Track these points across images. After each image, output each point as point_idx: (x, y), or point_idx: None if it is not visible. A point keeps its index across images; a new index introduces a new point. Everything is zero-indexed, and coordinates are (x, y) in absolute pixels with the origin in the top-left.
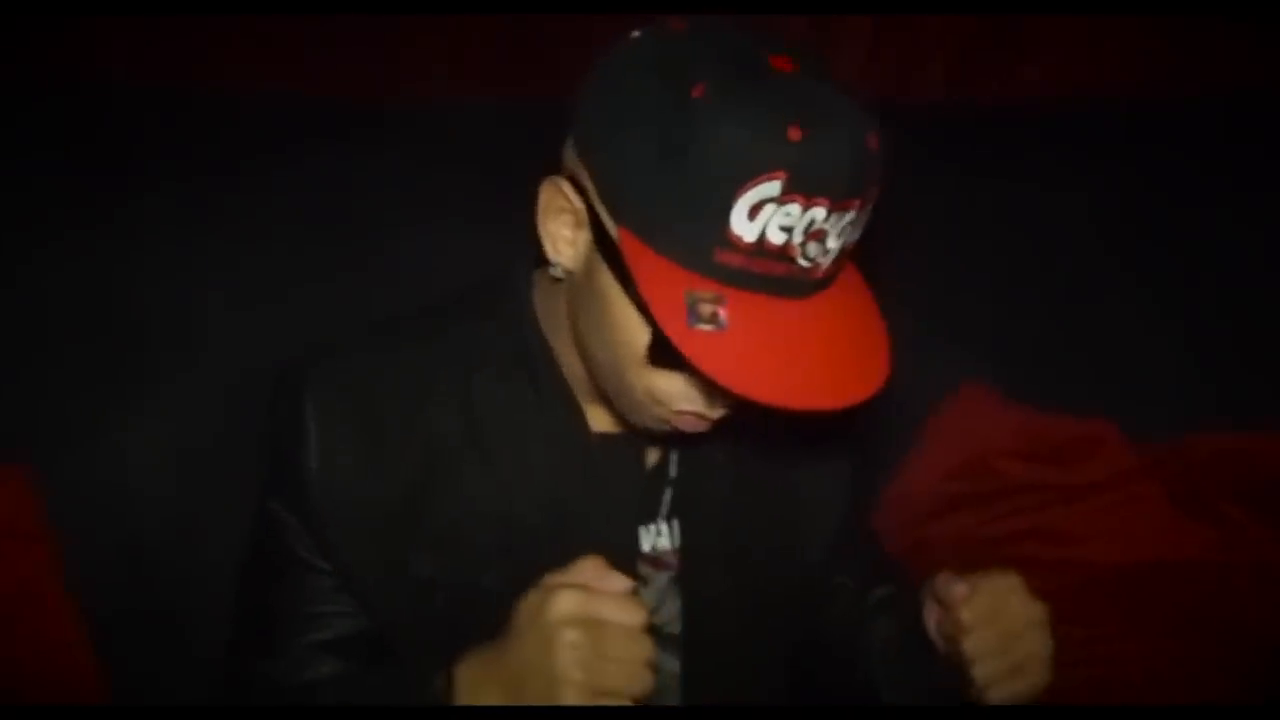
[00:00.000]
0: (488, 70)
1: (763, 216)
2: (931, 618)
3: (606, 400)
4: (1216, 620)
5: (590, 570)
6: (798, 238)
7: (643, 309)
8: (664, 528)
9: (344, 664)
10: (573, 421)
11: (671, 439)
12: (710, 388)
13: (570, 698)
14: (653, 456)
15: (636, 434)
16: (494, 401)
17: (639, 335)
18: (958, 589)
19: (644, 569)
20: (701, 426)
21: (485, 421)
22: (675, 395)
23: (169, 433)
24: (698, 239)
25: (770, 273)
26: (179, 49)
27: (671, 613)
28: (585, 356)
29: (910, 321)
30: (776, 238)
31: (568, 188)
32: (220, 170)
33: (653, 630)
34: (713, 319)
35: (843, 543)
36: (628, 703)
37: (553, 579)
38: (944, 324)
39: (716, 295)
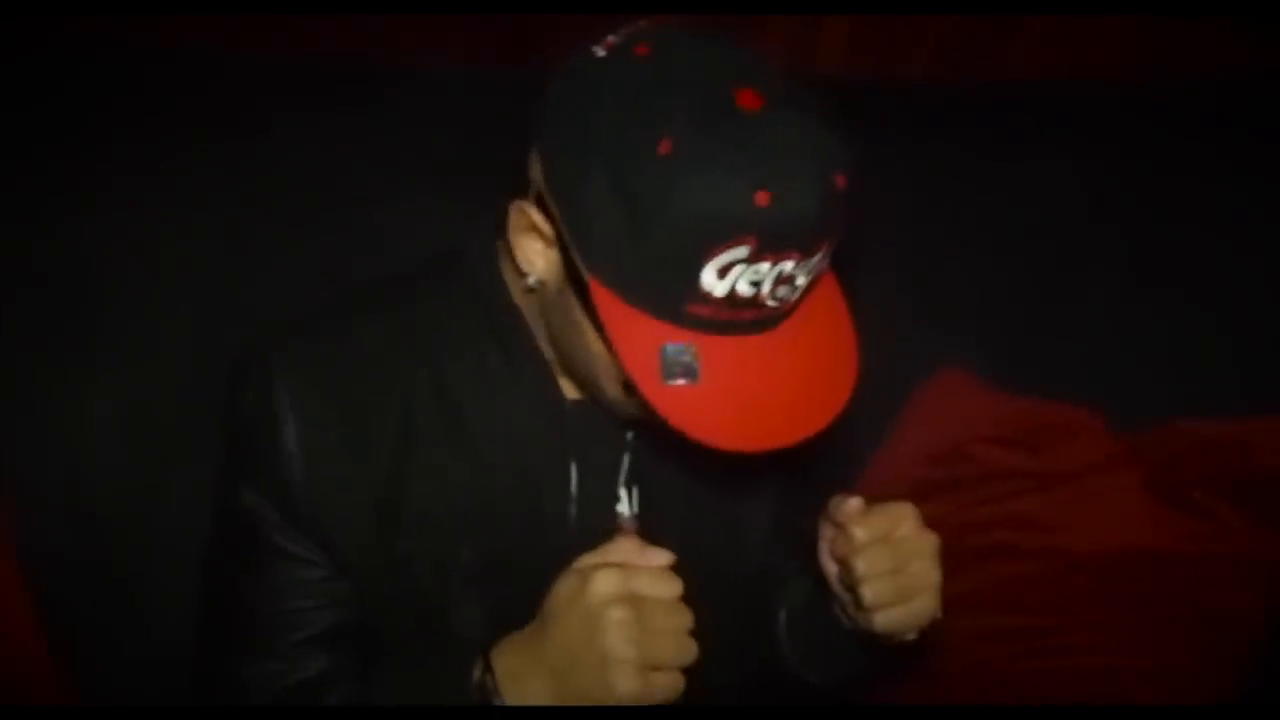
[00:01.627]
0: (469, 37)
1: (732, 275)
2: (825, 539)
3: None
4: (1193, 609)
5: (625, 548)
6: (767, 288)
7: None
8: (623, 494)
9: (333, 659)
10: (547, 389)
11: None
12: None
13: (624, 675)
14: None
15: None
16: (466, 372)
17: (614, 366)
18: (852, 504)
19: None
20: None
21: (458, 392)
22: (641, 412)
23: (124, 403)
24: (668, 294)
25: (740, 319)
26: (145, 5)
27: None
28: (559, 353)
29: (890, 305)
30: (746, 291)
31: (535, 214)
32: (182, 133)
33: None
34: (686, 372)
35: (783, 525)
36: (678, 676)
37: (586, 560)
38: (924, 307)
39: (689, 346)
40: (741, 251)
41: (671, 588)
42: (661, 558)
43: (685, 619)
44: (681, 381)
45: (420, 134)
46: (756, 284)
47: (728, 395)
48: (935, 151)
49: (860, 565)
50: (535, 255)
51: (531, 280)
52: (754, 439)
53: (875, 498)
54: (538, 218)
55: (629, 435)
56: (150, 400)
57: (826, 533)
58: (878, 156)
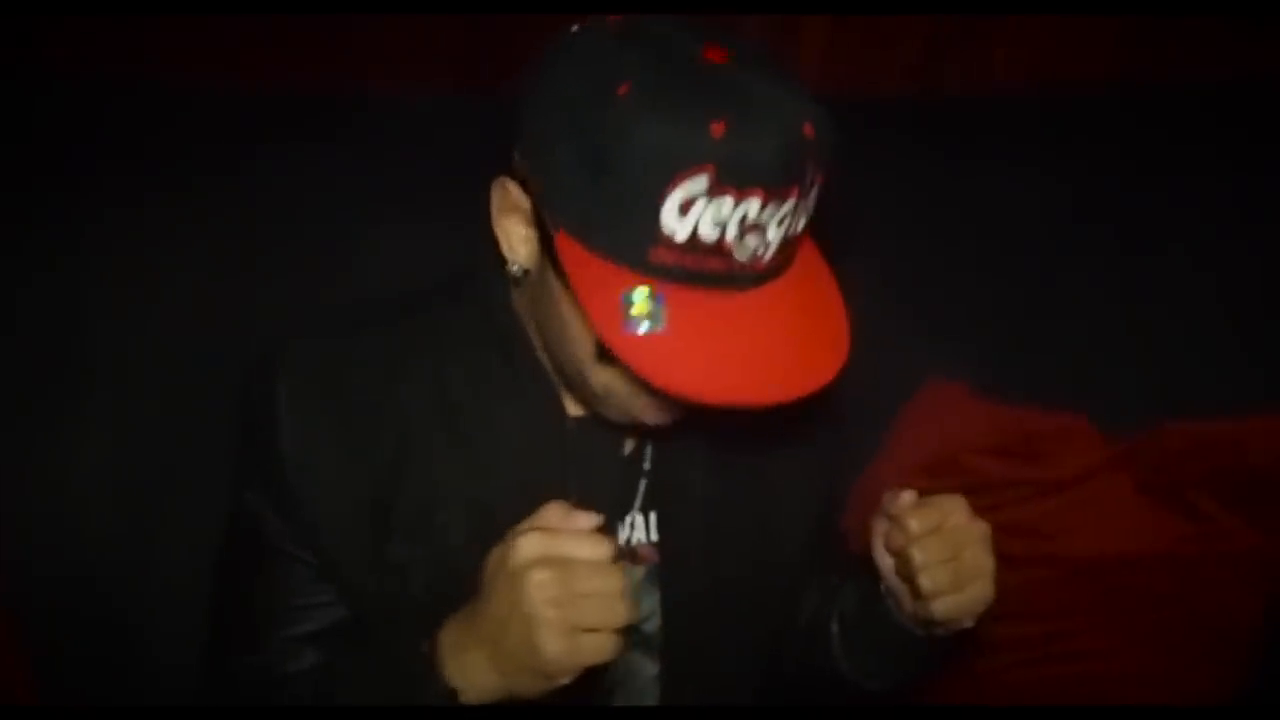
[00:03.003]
0: (447, 64)
1: (694, 212)
2: (879, 534)
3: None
4: (1191, 612)
5: (553, 513)
6: (732, 232)
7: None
8: (640, 520)
9: (325, 655)
10: (548, 405)
11: (643, 431)
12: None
13: (548, 638)
14: (628, 444)
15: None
16: (467, 385)
17: (587, 333)
18: (906, 497)
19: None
20: (665, 420)
21: (458, 405)
22: (628, 394)
23: (110, 445)
24: (631, 238)
25: (706, 268)
26: (126, 42)
27: (649, 609)
28: (548, 350)
29: (877, 318)
30: (710, 233)
31: (514, 188)
32: (168, 171)
33: (629, 628)
34: (651, 317)
35: (819, 543)
36: (608, 637)
37: (516, 529)
38: (912, 320)
39: (651, 292)
40: (700, 183)
41: (598, 550)
42: (589, 520)
43: (614, 581)
44: (645, 327)
45: (396, 163)
46: (720, 226)
47: (696, 347)
48: (917, 165)
49: (917, 555)
50: (517, 240)
51: (515, 269)
52: (722, 392)
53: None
54: (515, 191)
55: (646, 465)
56: (137, 440)
57: (880, 527)
58: (859, 172)
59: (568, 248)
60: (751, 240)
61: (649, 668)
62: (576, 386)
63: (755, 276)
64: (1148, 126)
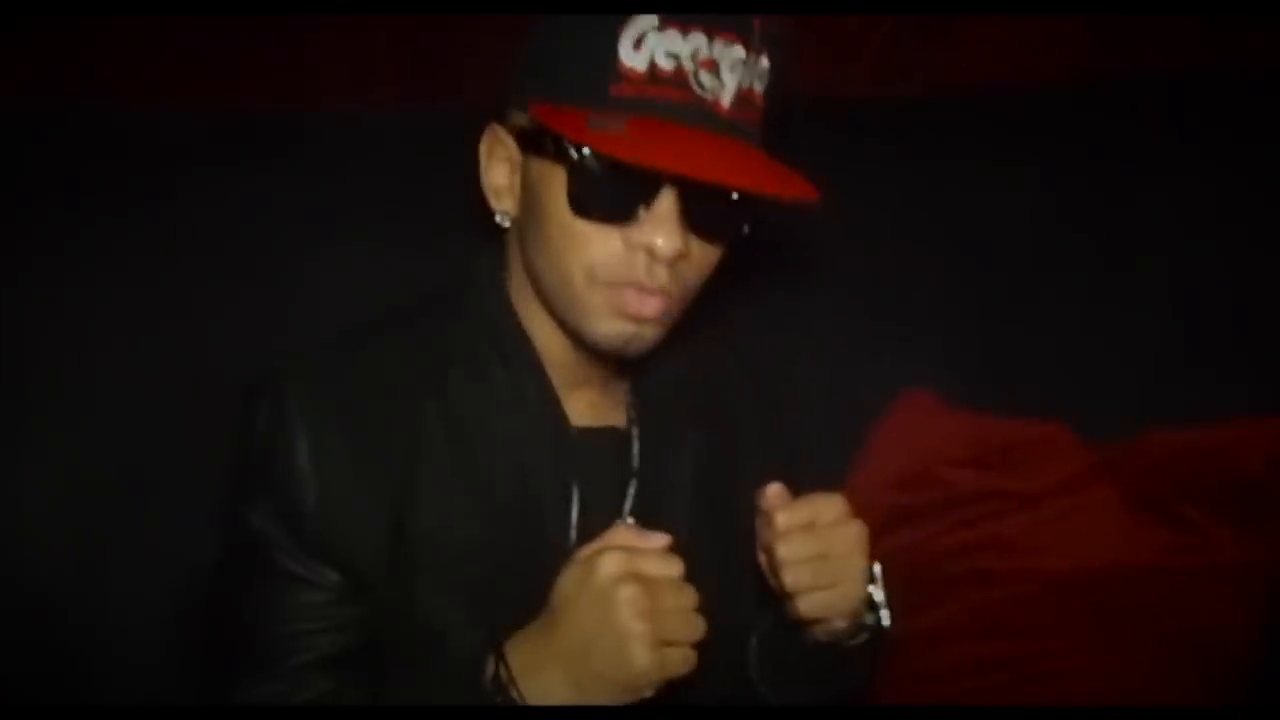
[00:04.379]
0: (393, 80)
1: (648, 45)
2: (760, 530)
3: (581, 374)
4: (1180, 627)
5: (624, 534)
6: (688, 64)
7: (554, 153)
8: (631, 523)
9: (336, 682)
10: (552, 414)
11: (633, 353)
12: (638, 241)
13: (639, 650)
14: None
15: (606, 393)
16: (470, 395)
17: (560, 201)
18: (773, 490)
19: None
20: (650, 306)
21: (462, 415)
22: (609, 259)
23: (62, 471)
24: (595, 77)
25: (668, 98)
26: (60, 63)
27: None
28: (540, 288)
29: (850, 330)
30: (666, 64)
31: (502, 131)
32: (109, 195)
33: None
34: (614, 121)
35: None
36: (689, 650)
37: (587, 549)
38: (885, 329)
39: (614, 114)
40: (650, 20)
41: (674, 567)
42: (660, 540)
43: (690, 597)
44: (612, 126)
45: (348, 180)
46: (674, 58)
47: (659, 136)
48: (882, 169)
49: (781, 550)
50: (504, 190)
51: (501, 219)
52: (691, 164)
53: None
54: (503, 133)
55: (635, 464)
56: (86, 466)
57: (757, 524)
58: (825, 178)
59: (540, 112)
60: (707, 77)
61: None
62: (566, 307)
63: (716, 119)
64: (1118, 116)
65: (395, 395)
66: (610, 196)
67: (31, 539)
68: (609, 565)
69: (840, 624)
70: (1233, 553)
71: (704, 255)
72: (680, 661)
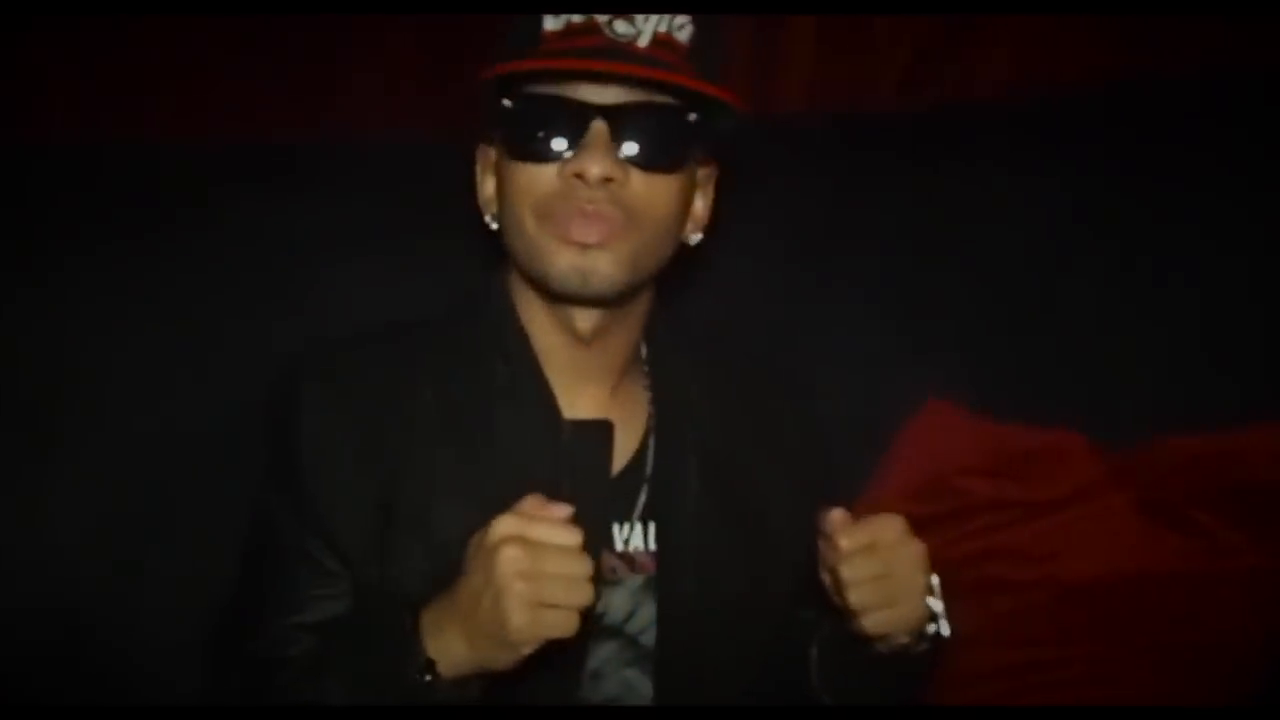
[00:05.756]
0: (407, 108)
1: (565, 12)
2: (821, 553)
3: (583, 369)
4: (1195, 634)
5: (530, 503)
6: (601, 17)
7: (495, 119)
8: (639, 528)
9: (321, 642)
10: (546, 409)
11: (595, 292)
12: (570, 170)
13: (515, 608)
14: (629, 445)
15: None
16: (469, 388)
17: (506, 161)
18: (837, 515)
19: (619, 569)
20: (594, 230)
21: (460, 407)
22: (549, 192)
23: (90, 494)
24: (524, 40)
25: (585, 44)
26: (82, 100)
27: (644, 620)
28: (518, 263)
29: (874, 340)
30: (580, 20)
31: (484, 147)
32: (134, 223)
33: (624, 639)
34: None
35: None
36: (570, 614)
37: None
38: (909, 339)
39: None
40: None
41: (568, 536)
42: (562, 511)
43: (580, 565)
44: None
45: (355, 206)
46: (588, 15)
47: (562, 60)
48: (907, 181)
49: (845, 571)
50: (489, 192)
51: (491, 221)
52: (577, 64)
53: None
54: (484, 147)
55: (648, 471)
56: (118, 490)
57: (821, 546)
58: (851, 191)
59: (483, 88)
60: (621, 24)
61: (644, 686)
62: (528, 254)
63: (630, 54)
64: (1139, 124)
65: (398, 387)
66: (542, 135)
67: (63, 558)
68: (499, 527)
69: (904, 638)
70: (1247, 559)
71: (647, 186)
72: (558, 623)
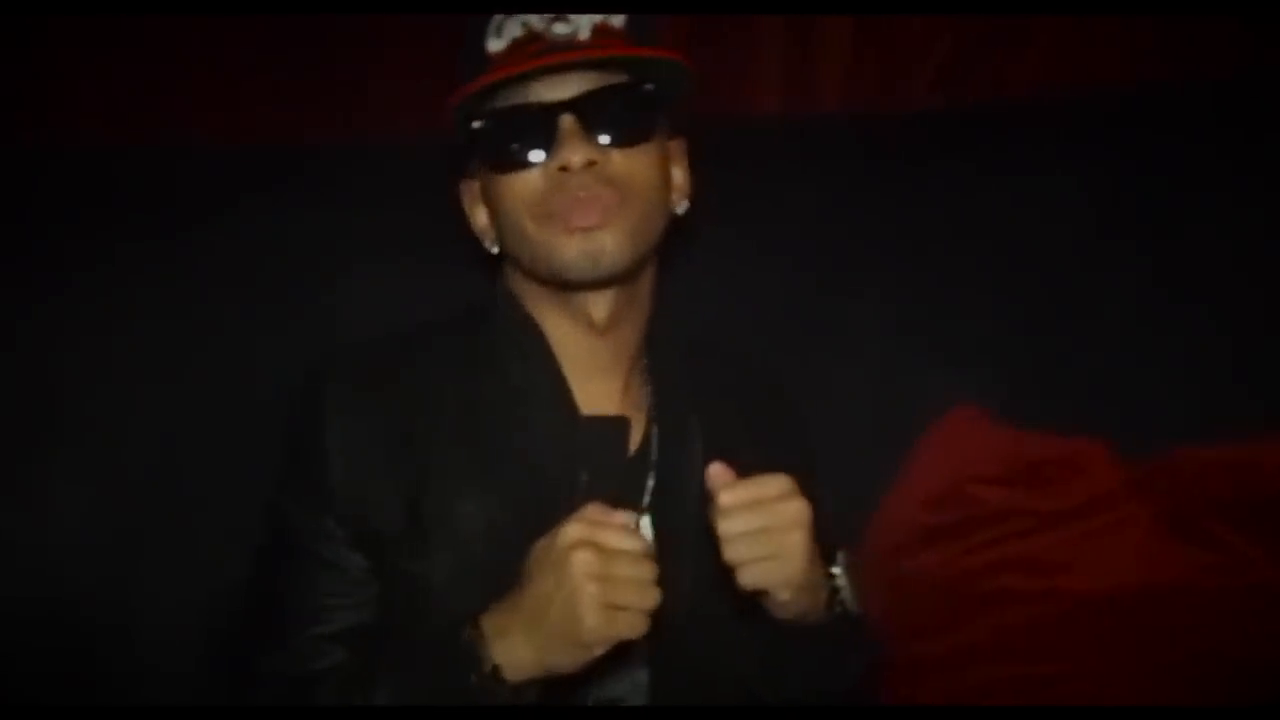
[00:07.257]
0: (434, 110)
1: (505, 28)
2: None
3: (596, 363)
4: (1212, 649)
5: (593, 510)
6: (538, 24)
7: (472, 146)
8: (647, 519)
9: (348, 654)
10: (561, 402)
11: (607, 271)
12: (554, 166)
13: (588, 609)
14: (635, 436)
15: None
16: (489, 388)
17: (492, 177)
18: (718, 471)
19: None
20: (592, 212)
21: (481, 406)
22: (541, 191)
23: (99, 486)
24: (476, 64)
25: (534, 49)
26: (96, 103)
27: None
28: (527, 270)
29: (898, 342)
30: (520, 31)
31: (465, 182)
32: (146, 228)
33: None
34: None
35: None
36: (640, 616)
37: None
38: (934, 342)
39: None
40: (499, 18)
41: (634, 542)
42: (626, 517)
43: (647, 569)
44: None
45: (367, 209)
46: (526, 24)
47: (514, 66)
48: (940, 179)
49: (723, 525)
50: (483, 222)
51: (491, 246)
52: (531, 62)
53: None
54: (468, 182)
55: (654, 457)
56: (124, 483)
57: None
58: (882, 187)
59: (452, 123)
60: (559, 25)
61: (638, 676)
62: (532, 258)
63: (574, 45)
64: (1172, 126)
65: (421, 387)
66: (518, 143)
67: (68, 550)
68: (570, 532)
69: (785, 594)
70: (1264, 571)
71: (627, 160)
72: (629, 625)
